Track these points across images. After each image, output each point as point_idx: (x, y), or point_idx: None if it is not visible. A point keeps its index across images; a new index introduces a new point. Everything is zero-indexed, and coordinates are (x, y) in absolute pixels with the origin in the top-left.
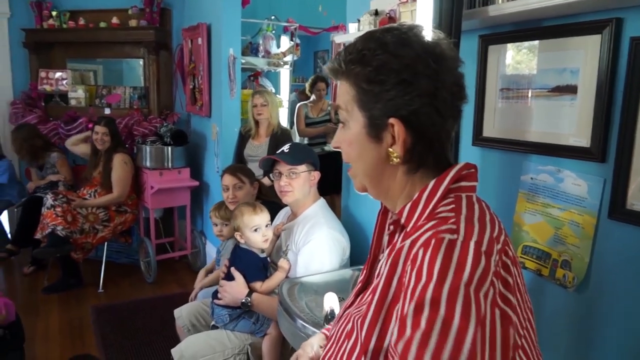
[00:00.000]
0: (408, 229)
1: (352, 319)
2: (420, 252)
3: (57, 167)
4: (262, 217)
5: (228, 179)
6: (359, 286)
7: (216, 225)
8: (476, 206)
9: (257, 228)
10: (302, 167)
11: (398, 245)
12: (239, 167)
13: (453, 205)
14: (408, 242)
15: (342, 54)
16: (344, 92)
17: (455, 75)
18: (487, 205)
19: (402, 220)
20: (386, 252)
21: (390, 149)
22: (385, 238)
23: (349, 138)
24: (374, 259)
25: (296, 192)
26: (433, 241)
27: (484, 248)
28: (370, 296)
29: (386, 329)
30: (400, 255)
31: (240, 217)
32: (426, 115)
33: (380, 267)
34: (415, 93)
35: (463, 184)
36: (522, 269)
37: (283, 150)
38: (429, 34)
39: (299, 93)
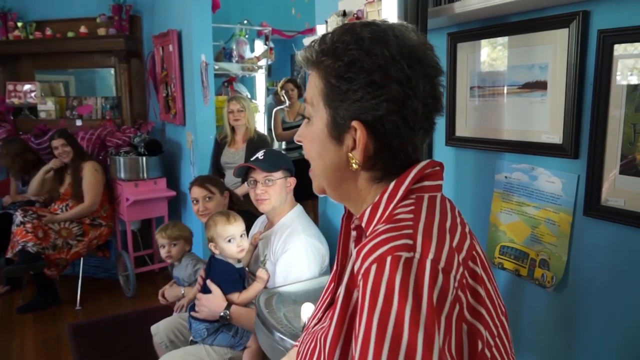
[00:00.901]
0: (367, 233)
1: (315, 337)
2: (374, 269)
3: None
4: (236, 227)
5: (197, 191)
6: (326, 300)
7: (163, 247)
8: (437, 209)
9: (231, 238)
10: (278, 174)
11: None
12: (206, 177)
13: (413, 207)
14: (362, 252)
15: (316, 43)
16: (312, 84)
17: (433, 85)
18: (452, 206)
19: (363, 225)
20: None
21: (350, 154)
22: (352, 245)
23: (311, 135)
24: (341, 269)
25: (273, 199)
26: (389, 259)
27: (441, 265)
28: (331, 311)
29: (349, 343)
30: (354, 266)
31: (213, 227)
32: (392, 124)
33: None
34: (383, 98)
35: (426, 183)
36: (500, 269)
37: (257, 157)
38: (412, 35)
39: (275, 94)
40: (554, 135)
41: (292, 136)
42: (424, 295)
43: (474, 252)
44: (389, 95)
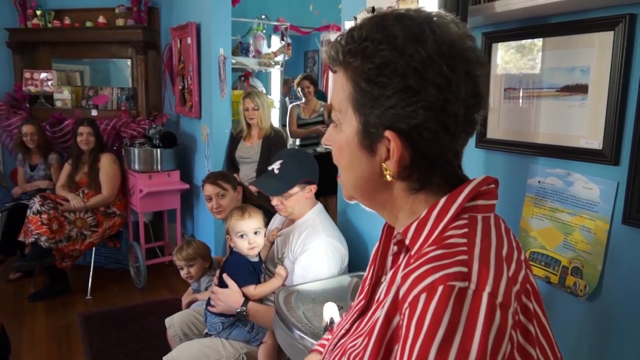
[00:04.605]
0: (412, 252)
1: (347, 354)
2: (423, 298)
3: (52, 170)
4: (249, 223)
5: (209, 189)
6: (356, 311)
7: (182, 268)
8: (493, 233)
9: (242, 234)
10: (295, 189)
11: (400, 272)
12: (218, 174)
13: (466, 230)
14: (411, 278)
15: (342, 39)
16: (339, 87)
17: (475, 82)
18: (507, 229)
19: (407, 242)
20: (389, 275)
21: (384, 165)
22: (390, 258)
23: (340, 142)
24: (376, 280)
25: (289, 209)
26: (440, 288)
27: (499, 299)
28: (369, 329)
29: None
30: (400, 291)
31: (229, 219)
32: (430, 132)
33: (381, 292)
34: (420, 104)
35: (480, 202)
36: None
37: (273, 170)
38: (452, 27)
39: (282, 84)
40: (593, 140)
41: (306, 134)
42: (476, 336)
43: (528, 285)
44: (426, 101)
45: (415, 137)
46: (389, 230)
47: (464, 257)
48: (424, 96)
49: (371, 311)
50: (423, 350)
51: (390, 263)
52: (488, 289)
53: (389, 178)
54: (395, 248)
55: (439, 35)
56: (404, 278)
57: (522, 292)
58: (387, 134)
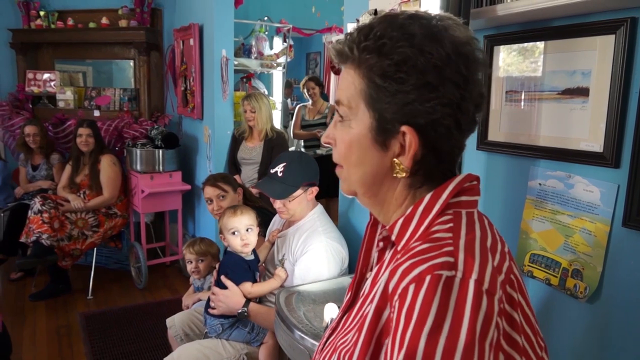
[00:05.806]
0: (398, 248)
1: (337, 351)
2: (412, 289)
3: (54, 170)
4: (240, 220)
5: (209, 191)
6: (343, 308)
7: (190, 262)
8: (477, 226)
9: (235, 231)
10: (298, 192)
11: (385, 266)
12: (218, 176)
13: (451, 224)
14: (399, 271)
15: (354, 36)
16: (348, 83)
17: (480, 83)
18: (490, 223)
19: (393, 237)
20: (374, 270)
21: (397, 160)
22: (374, 255)
23: (349, 139)
24: (360, 277)
25: (291, 211)
26: (428, 278)
27: (485, 286)
28: (359, 324)
29: None
30: (389, 285)
31: (221, 218)
32: (445, 128)
33: (365, 288)
34: (438, 101)
35: (463, 198)
36: (530, 277)
37: (277, 173)
38: (461, 29)
39: (285, 87)
40: (594, 143)
41: (307, 137)
42: (465, 322)
43: (511, 275)
44: (445, 98)
45: (430, 133)
46: (373, 227)
47: (450, 248)
48: (442, 93)
49: (357, 306)
50: (413, 338)
51: (376, 259)
52: (474, 276)
53: (402, 174)
54: (381, 244)
55: (452, 35)
56: (393, 272)
57: (507, 282)
58: (404, 129)
